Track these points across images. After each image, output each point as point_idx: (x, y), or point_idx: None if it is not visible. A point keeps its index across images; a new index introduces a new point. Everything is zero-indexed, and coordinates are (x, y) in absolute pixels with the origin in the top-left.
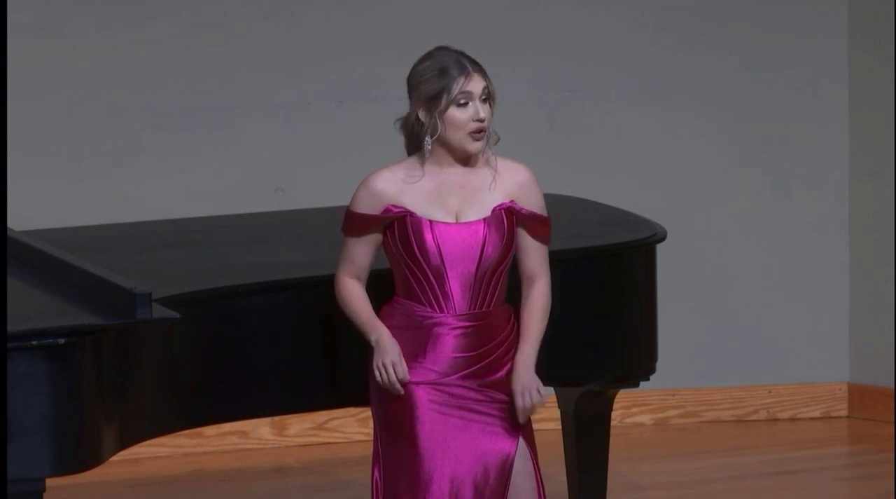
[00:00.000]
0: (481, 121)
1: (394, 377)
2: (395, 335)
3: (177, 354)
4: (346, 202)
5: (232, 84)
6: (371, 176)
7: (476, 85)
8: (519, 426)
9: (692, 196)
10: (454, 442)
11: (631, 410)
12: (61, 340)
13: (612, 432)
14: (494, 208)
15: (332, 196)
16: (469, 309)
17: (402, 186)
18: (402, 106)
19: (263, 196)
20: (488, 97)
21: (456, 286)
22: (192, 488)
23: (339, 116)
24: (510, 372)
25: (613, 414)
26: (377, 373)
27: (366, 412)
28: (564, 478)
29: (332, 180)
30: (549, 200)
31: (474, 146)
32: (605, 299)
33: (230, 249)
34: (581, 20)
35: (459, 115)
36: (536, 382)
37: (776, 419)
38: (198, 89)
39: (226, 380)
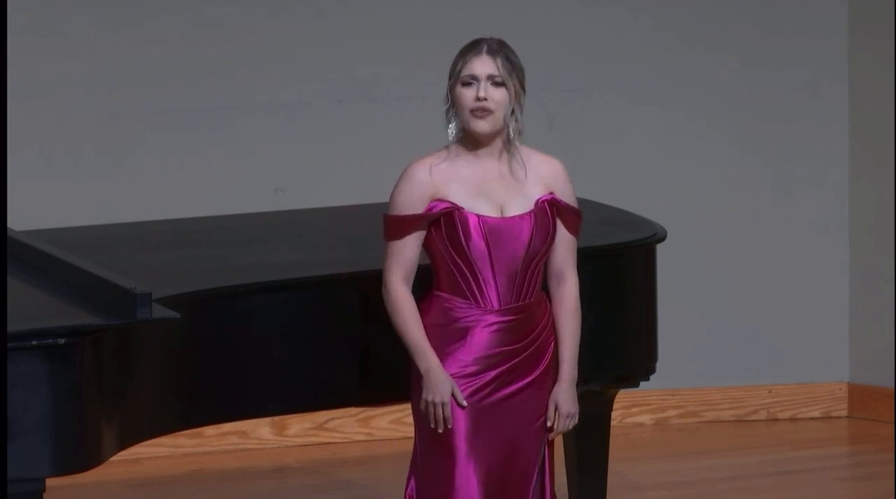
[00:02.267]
0: (480, 100)
1: (441, 416)
2: (432, 332)
3: (177, 354)
4: (346, 202)
5: (232, 84)
6: (412, 166)
7: (481, 66)
8: (545, 426)
9: (692, 196)
10: (491, 445)
11: (631, 410)
12: (61, 340)
13: (612, 432)
14: (538, 201)
15: (332, 196)
16: (512, 302)
17: (444, 174)
18: (402, 106)
19: (263, 196)
20: (503, 83)
21: (502, 280)
22: (192, 488)
23: (339, 116)
24: (550, 365)
25: (613, 414)
26: (426, 408)
27: (366, 412)
28: (564, 478)
29: (332, 180)
30: None
31: (478, 125)
32: (605, 299)
33: (230, 249)
34: (581, 20)
35: (465, 94)
36: (577, 408)
37: (776, 419)
38: (198, 89)
39: (226, 380)
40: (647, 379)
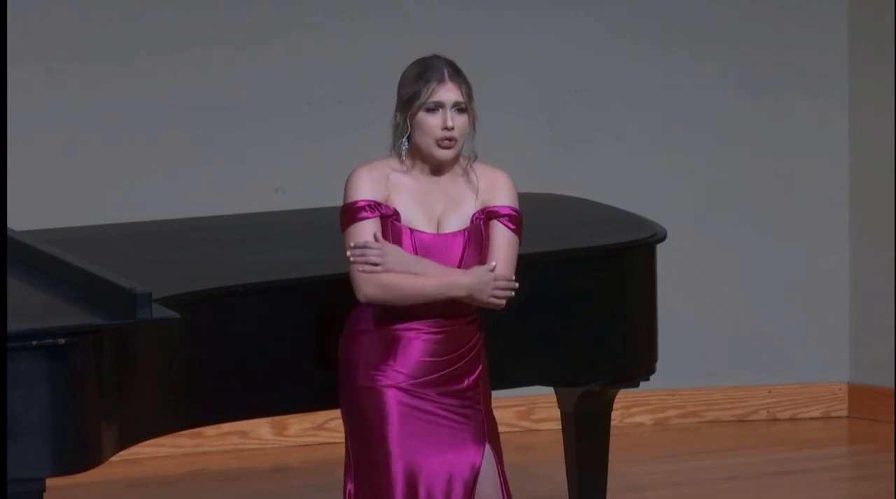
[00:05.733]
0: (449, 129)
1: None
2: (363, 340)
3: (177, 354)
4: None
5: (232, 84)
6: (360, 169)
7: (448, 94)
8: (486, 433)
9: (692, 196)
10: (421, 452)
11: (631, 410)
12: (61, 340)
13: (612, 432)
14: (473, 217)
15: (332, 196)
16: (442, 315)
17: (393, 179)
18: None
19: (263, 196)
20: (466, 110)
21: None
22: (192, 488)
23: (339, 116)
24: (477, 380)
25: (613, 414)
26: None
27: None
28: (564, 478)
29: (332, 180)
30: (550, 199)
31: (441, 154)
32: (605, 299)
33: (230, 249)
34: (581, 20)
35: (429, 121)
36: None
37: (776, 419)
38: (198, 89)
39: (226, 380)
40: (647, 379)
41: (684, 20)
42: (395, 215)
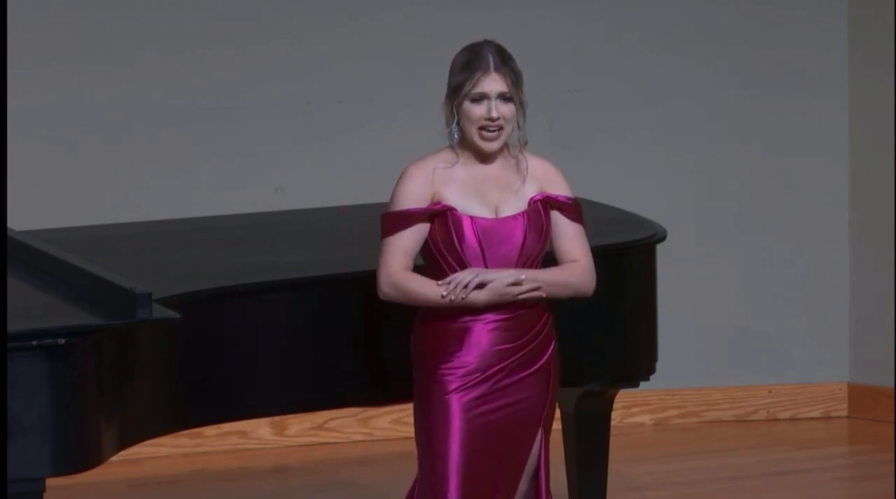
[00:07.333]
0: (492, 120)
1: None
2: (430, 332)
3: (177, 354)
4: (346, 202)
5: (232, 84)
6: (412, 167)
7: (492, 84)
8: (542, 418)
9: (692, 196)
10: (481, 455)
11: (631, 410)
12: (61, 340)
13: (612, 432)
14: (530, 201)
15: (332, 196)
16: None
17: (440, 175)
18: (401, 106)
19: (263, 196)
20: (512, 99)
21: None
22: (192, 488)
23: (339, 116)
24: (549, 360)
25: (613, 414)
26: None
27: (366, 412)
28: (564, 478)
29: (332, 180)
30: None
31: (485, 145)
32: (605, 299)
33: (230, 249)
34: (581, 20)
35: (474, 111)
36: (524, 285)
37: (776, 419)
38: (198, 89)
39: (226, 380)
40: (647, 379)
41: (684, 20)
42: (451, 208)
